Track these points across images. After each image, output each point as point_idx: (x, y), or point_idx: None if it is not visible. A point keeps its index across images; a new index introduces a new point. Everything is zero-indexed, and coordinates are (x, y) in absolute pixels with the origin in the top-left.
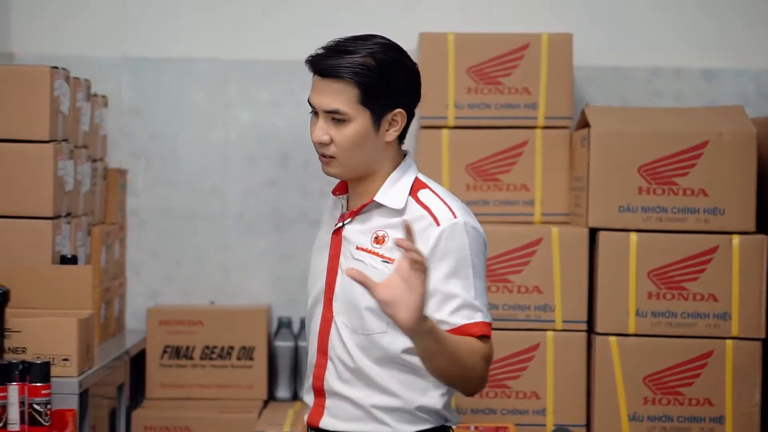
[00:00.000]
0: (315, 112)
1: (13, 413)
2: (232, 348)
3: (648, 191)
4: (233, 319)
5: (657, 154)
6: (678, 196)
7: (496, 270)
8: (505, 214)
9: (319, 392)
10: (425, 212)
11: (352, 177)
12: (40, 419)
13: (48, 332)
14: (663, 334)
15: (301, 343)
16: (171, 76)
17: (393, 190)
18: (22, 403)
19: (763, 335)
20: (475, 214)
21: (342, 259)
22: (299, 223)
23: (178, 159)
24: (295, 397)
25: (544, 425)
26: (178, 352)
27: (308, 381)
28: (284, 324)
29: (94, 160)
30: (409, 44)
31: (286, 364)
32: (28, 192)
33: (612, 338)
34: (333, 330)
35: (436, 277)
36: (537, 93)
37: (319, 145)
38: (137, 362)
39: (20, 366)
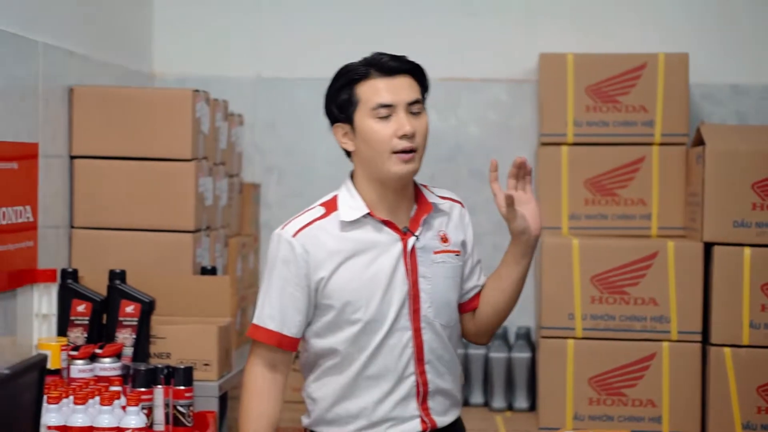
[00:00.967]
0: (386, 114)
1: (159, 414)
2: None
3: (762, 207)
4: None
5: None
6: None
7: (614, 282)
8: (622, 227)
9: (424, 397)
10: (448, 201)
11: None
12: (184, 420)
13: (190, 339)
14: None
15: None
16: (303, 95)
17: (425, 192)
18: (166, 405)
19: None
20: (593, 228)
21: (422, 269)
22: None
23: (309, 173)
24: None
25: None
26: None
27: (397, 395)
28: None
29: (231, 176)
30: (528, 64)
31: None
32: (171, 207)
33: (726, 349)
34: (427, 335)
35: (476, 250)
36: (654, 111)
37: (409, 138)
38: None
39: (165, 370)
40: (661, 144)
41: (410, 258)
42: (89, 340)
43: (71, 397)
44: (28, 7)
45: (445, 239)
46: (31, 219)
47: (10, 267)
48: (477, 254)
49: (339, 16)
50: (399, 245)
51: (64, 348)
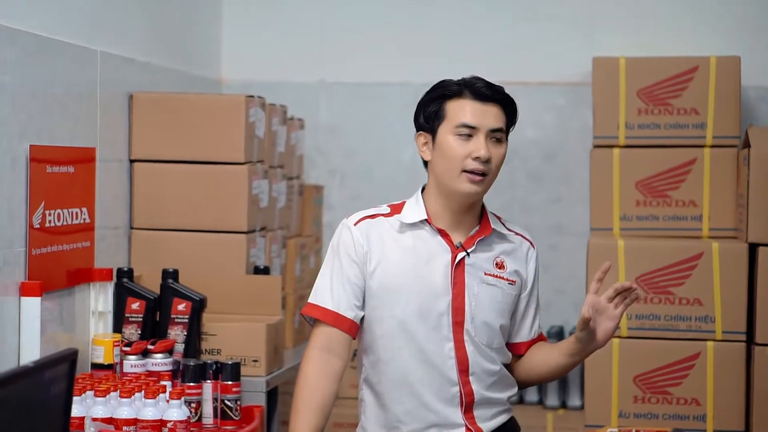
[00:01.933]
0: (467, 135)
1: (207, 408)
2: None
3: None
4: None
5: None
6: None
7: (659, 282)
8: (673, 229)
9: (469, 406)
10: (519, 237)
11: (479, 199)
12: (231, 414)
13: (240, 336)
14: None
15: None
16: (365, 99)
17: (492, 218)
18: (215, 399)
19: None
20: (644, 229)
21: (468, 285)
22: None
23: (371, 175)
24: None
25: (705, 430)
26: None
27: (441, 403)
28: None
29: (290, 178)
30: (585, 68)
31: None
32: (225, 209)
33: None
34: (470, 348)
35: (535, 293)
36: (705, 113)
37: (483, 162)
38: None
39: (214, 366)
40: (713, 146)
41: (456, 270)
42: (143, 337)
43: (118, 391)
44: (88, 18)
45: (501, 266)
46: (88, 220)
47: (67, 266)
48: (536, 301)
49: (398, 23)
50: (448, 256)
51: (116, 344)
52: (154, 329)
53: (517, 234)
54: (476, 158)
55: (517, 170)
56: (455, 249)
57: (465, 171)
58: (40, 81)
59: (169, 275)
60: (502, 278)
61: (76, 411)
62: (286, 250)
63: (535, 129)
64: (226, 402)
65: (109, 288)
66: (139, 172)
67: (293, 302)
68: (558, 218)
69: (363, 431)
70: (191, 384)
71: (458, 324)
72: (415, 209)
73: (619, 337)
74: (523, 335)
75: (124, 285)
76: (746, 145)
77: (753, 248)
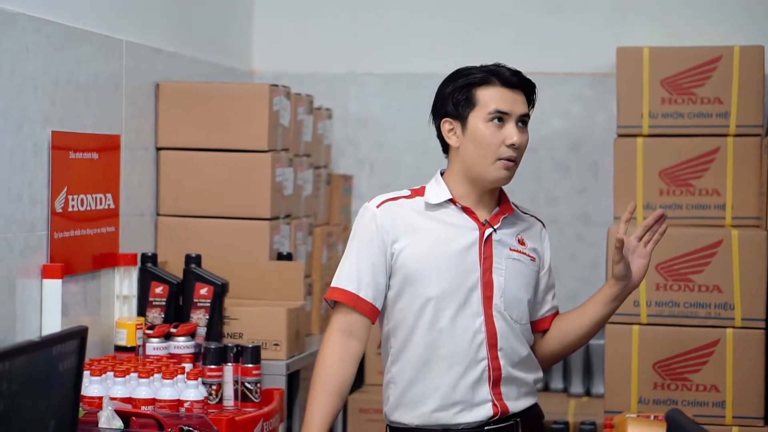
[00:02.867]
0: (499, 119)
1: (228, 390)
2: None
3: None
4: None
5: None
6: None
7: (678, 270)
8: (697, 217)
9: (496, 382)
10: (532, 217)
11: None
12: (251, 396)
13: (261, 320)
14: None
15: None
16: (394, 90)
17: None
18: (235, 382)
19: None
20: (668, 218)
21: (496, 260)
22: None
23: (400, 166)
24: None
25: (724, 417)
26: None
27: (469, 378)
28: None
29: (317, 167)
30: (611, 58)
31: None
32: (248, 196)
33: None
34: (499, 323)
35: (551, 271)
36: (729, 103)
37: (515, 148)
38: None
39: (234, 349)
40: (736, 135)
41: (485, 246)
42: (166, 320)
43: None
44: (114, 8)
45: (522, 242)
46: (113, 206)
47: (92, 250)
48: (553, 277)
49: (426, 15)
50: (476, 233)
51: (139, 327)
52: (177, 313)
53: (530, 215)
54: (510, 145)
55: (544, 160)
56: (482, 226)
57: (500, 159)
58: (63, 69)
59: (192, 260)
60: (525, 254)
61: (95, 391)
62: (312, 238)
63: (561, 119)
64: (247, 384)
65: (134, 272)
66: (165, 160)
67: (319, 289)
68: (584, 208)
69: (388, 414)
70: (212, 366)
71: (488, 299)
72: (437, 190)
73: (639, 324)
74: (545, 310)
75: (148, 270)
76: None
77: None
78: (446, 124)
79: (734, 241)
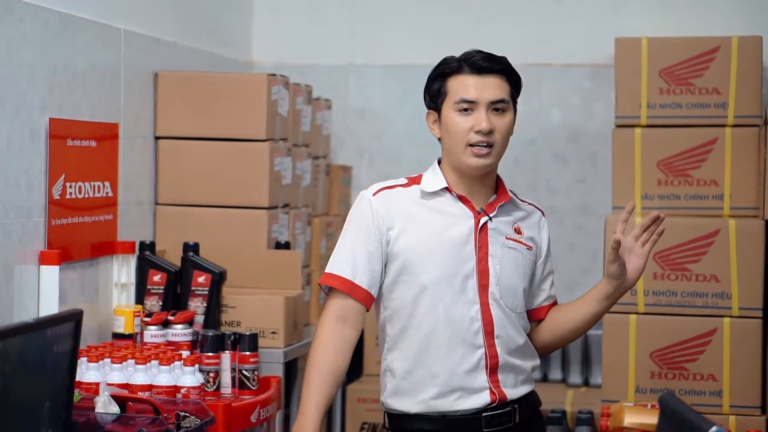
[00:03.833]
0: (465, 109)
1: (226, 378)
2: None
3: None
4: None
5: None
6: None
7: (675, 259)
8: (695, 208)
9: (493, 369)
10: (531, 206)
11: (493, 169)
12: (248, 384)
13: (259, 308)
14: None
15: None
16: (393, 81)
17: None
18: (233, 369)
19: None
20: (666, 208)
21: (492, 248)
22: None
23: (399, 156)
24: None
25: (721, 406)
26: None
27: (466, 365)
28: None
29: (316, 157)
30: (610, 50)
31: None
32: (247, 185)
33: None
34: (495, 311)
35: (549, 260)
36: (727, 93)
37: (485, 135)
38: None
39: (232, 337)
40: (734, 126)
41: (480, 234)
42: (164, 308)
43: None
44: None
45: (518, 231)
46: (111, 194)
47: (90, 238)
48: (551, 266)
49: (426, 6)
50: (471, 221)
51: (137, 314)
52: (174, 301)
53: (529, 204)
54: (478, 131)
55: (543, 151)
56: (477, 214)
57: (470, 145)
58: (61, 57)
59: (190, 248)
60: (521, 242)
61: (92, 376)
62: (311, 228)
63: (560, 110)
64: (244, 372)
65: (132, 260)
66: (164, 149)
67: (318, 279)
68: (583, 198)
69: (386, 401)
70: (210, 354)
71: (484, 287)
72: (434, 179)
73: (636, 313)
74: (541, 300)
75: (146, 258)
76: (766, 123)
77: None
78: (430, 116)
79: (731, 231)
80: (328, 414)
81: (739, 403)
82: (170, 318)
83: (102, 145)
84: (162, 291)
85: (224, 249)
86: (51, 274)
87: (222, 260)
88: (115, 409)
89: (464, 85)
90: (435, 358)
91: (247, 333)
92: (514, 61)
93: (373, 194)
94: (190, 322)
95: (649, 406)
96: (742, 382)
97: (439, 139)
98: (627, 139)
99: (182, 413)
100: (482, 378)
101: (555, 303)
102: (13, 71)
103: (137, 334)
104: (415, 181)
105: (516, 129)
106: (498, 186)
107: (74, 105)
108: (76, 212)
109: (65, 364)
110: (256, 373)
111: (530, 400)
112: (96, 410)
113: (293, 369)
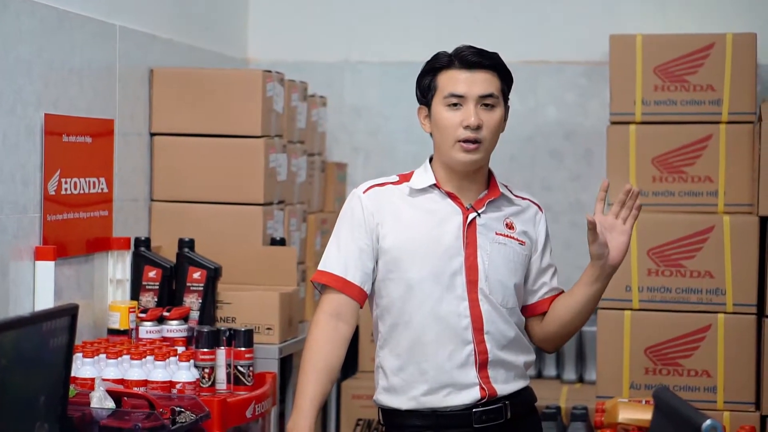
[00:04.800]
0: (455, 104)
1: (221, 374)
2: None
3: None
4: None
5: None
6: None
7: (670, 255)
8: (689, 204)
9: (483, 365)
10: (526, 201)
11: (483, 165)
12: (244, 380)
13: (254, 304)
14: None
15: None
16: (389, 78)
17: (500, 184)
18: (228, 365)
19: None
20: (661, 205)
21: (480, 244)
22: None
23: (394, 154)
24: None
25: (715, 402)
26: None
27: (456, 361)
28: None
29: (311, 154)
30: (601, 47)
31: None
32: (242, 181)
33: None
34: (485, 307)
35: (547, 254)
36: (721, 90)
37: (474, 130)
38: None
39: (227, 333)
40: (728, 122)
41: (468, 231)
42: (159, 304)
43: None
44: None
45: (510, 226)
46: (106, 190)
47: (85, 234)
48: (550, 259)
49: (421, 3)
50: (459, 217)
51: (132, 310)
52: (170, 297)
53: (524, 198)
54: (466, 126)
55: (539, 148)
56: (466, 210)
57: (459, 141)
58: (57, 53)
59: (185, 244)
60: (513, 238)
61: (87, 372)
62: (306, 225)
63: (556, 108)
64: (239, 368)
65: (127, 256)
66: (159, 145)
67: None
68: (578, 195)
69: (379, 398)
70: (205, 350)
71: (472, 283)
72: (423, 176)
73: (631, 309)
74: (543, 293)
75: (142, 254)
76: (761, 120)
77: (764, 221)
78: (421, 112)
79: (726, 227)
80: (323, 410)
81: (733, 399)
82: (165, 314)
83: (97, 141)
84: (157, 287)
85: (219, 245)
86: (46, 269)
87: (217, 256)
88: (110, 404)
89: (454, 80)
90: (424, 355)
91: (243, 329)
92: (509, 59)
93: (363, 192)
94: (185, 318)
95: (644, 402)
96: (736, 379)
97: (431, 134)
98: (622, 136)
99: (177, 408)
100: (472, 374)
101: (559, 294)
102: (9, 67)
103: (132, 330)
104: (405, 178)
105: (512, 126)
106: (490, 182)
107: (70, 101)
108: (71, 208)
109: (61, 359)
110: (251, 369)
111: (523, 396)
112: (91, 405)
113: (288, 365)
